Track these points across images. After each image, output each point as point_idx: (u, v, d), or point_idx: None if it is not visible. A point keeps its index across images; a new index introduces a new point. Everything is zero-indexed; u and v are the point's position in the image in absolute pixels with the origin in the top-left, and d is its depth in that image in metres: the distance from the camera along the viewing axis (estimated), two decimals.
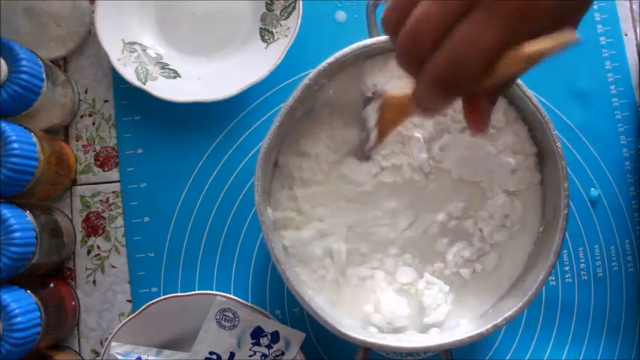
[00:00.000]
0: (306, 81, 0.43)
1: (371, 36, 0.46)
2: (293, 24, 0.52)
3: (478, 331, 0.40)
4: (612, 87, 0.54)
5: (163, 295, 0.51)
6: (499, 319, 0.40)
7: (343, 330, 0.41)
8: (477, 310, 0.44)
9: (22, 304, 0.44)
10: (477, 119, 0.30)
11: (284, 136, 0.45)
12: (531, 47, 0.24)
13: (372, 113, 0.39)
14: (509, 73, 0.25)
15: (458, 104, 0.44)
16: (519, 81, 0.42)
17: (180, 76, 0.53)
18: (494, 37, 0.23)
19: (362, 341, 0.41)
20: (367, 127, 0.39)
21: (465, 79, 0.25)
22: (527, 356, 0.51)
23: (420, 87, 0.26)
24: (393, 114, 0.38)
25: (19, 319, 0.42)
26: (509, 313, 0.40)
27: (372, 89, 0.45)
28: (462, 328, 0.43)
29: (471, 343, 0.40)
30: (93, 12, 0.53)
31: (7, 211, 0.43)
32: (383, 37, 0.44)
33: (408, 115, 0.37)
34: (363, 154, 0.42)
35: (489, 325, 0.40)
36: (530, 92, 0.42)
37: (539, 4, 0.23)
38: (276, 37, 0.53)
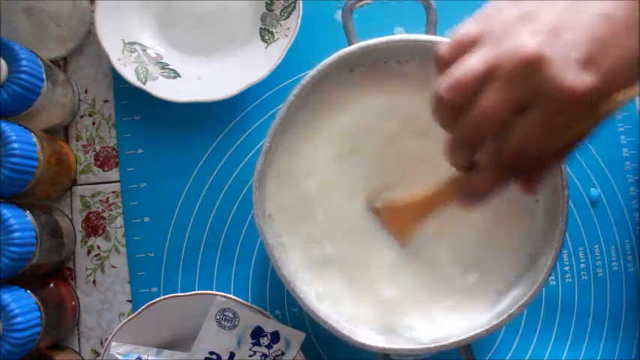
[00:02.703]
0: (291, 97, 0.43)
1: (350, 43, 0.45)
2: (293, 24, 0.52)
3: (494, 323, 0.40)
4: None
5: (163, 295, 0.51)
6: (514, 308, 0.40)
7: (361, 340, 0.41)
8: (483, 304, 0.44)
9: (22, 304, 0.44)
10: (532, 186, 0.31)
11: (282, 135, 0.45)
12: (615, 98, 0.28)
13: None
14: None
15: None
16: None
17: (180, 76, 0.53)
18: (552, 132, 0.28)
19: (382, 348, 0.41)
20: None
21: (530, 165, 0.29)
22: (527, 356, 0.51)
23: (487, 176, 0.30)
24: (406, 218, 0.41)
25: (19, 319, 0.42)
26: (522, 301, 0.40)
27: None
28: (475, 322, 0.43)
29: (487, 335, 0.40)
30: (93, 12, 0.53)
31: (7, 211, 0.43)
32: (363, 43, 0.43)
33: (430, 211, 0.39)
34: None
35: (505, 315, 0.40)
36: None
37: (586, 99, 0.26)
38: (276, 37, 0.53)
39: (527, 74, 0.27)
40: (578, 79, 0.26)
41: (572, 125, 0.28)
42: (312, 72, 0.43)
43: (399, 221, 0.43)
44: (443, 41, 0.42)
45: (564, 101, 0.26)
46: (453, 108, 0.29)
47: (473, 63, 0.28)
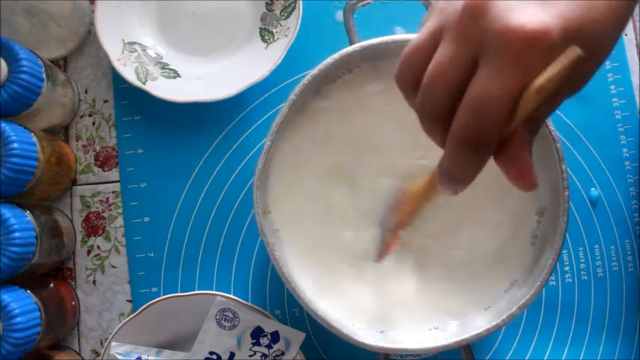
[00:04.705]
0: (292, 97, 0.43)
1: (351, 43, 0.45)
2: (293, 24, 0.52)
3: (494, 323, 0.40)
4: (612, 87, 0.54)
5: (163, 295, 0.51)
6: (514, 308, 0.40)
7: (361, 339, 0.41)
8: (483, 303, 0.44)
9: (22, 304, 0.44)
10: (520, 174, 0.26)
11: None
12: (539, 78, 0.24)
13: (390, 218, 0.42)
14: (528, 111, 0.24)
15: None
16: None
17: (180, 76, 0.53)
18: (510, 80, 0.23)
19: (382, 348, 0.41)
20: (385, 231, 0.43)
21: (491, 130, 0.24)
22: (527, 356, 0.51)
23: (448, 154, 0.26)
24: (415, 203, 0.39)
25: (19, 319, 0.42)
26: (523, 301, 0.40)
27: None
28: (475, 323, 0.43)
29: (487, 335, 0.40)
30: (93, 12, 0.54)
31: (7, 211, 0.43)
32: (365, 43, 0.43)
33: (429, 197, 0.37)
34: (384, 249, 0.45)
35: (505, 315, 0.40)
36: None
37: (541, 37, 0.23)
38: (276, 37, 0.53)
39: (471, 22, 0.24)
40: (527, 17, 0.23)
41: (529, 78, 0.23)
42: (314, 71, 0.43)
43: (402, 210, 0.43)
44: None
45: (513, 46, 0.23)
46: (411, 85, 0.26)
47: (419, 34, 0.26)
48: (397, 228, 0.45)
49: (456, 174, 0.26)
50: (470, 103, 0.24)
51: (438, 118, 0.26)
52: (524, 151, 0.26)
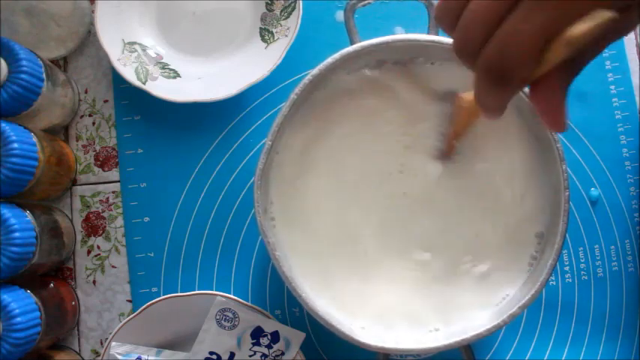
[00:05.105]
0: (293, 96, 0.43)
1: (352, 43, 0.45)
2: (293, 24, 0.52)
3: (494, 323, 0.40)
4: (612, 87, 0.54)
5: (163, 295, 0.51)
6: (514, 308, 0.40)
7: (361, 339, 0.41)
8: (483, 303, 0.44)
9: (22, 304, 0.44)
10: (551, 114, 0.28)
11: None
12: (572, 30, 0.24)
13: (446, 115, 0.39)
14: (556, 59, 0.25)
15: None
16: None
17: (180, 76, 0.53)
18: (540, 22, 0.24)
19: (382, 348, 0.41)
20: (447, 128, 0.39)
21: (513, 67, 0.25)
22: (527, 356, 0.51)
23: (475, 80, 0.27)
24: (465, 116, 0.38)
25: (19, 319, 0.42)
26: (523, 301, 0.40)
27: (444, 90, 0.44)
28: (475, 322, 0.43)
29: (487, 335, 0.40)
30: (93, 12, 0.54)
31: (7, 211, 0.43)
32: (365, 43, 0.43)
33: (478, 115, 0.36)
34: (444, 151, 0.43)
35: (505, 315, 0.40)
36: None
37: None
38: (276, 37, 0.53)
39: None
40: None
41: (559, 26, 0.24)
42: (314, 71, 0.43)
43: (462, 117, 0.41)
44: (444, 41, 0.42)
45: None
46: (451, 19, 0.27)
47: None
48: (452, 137, 0.43)
49: (481, 100, 0.28)
50: (499, 38, 0.25)
51: (470, 51, 0.27)
52: (557, 89, 0.27)
